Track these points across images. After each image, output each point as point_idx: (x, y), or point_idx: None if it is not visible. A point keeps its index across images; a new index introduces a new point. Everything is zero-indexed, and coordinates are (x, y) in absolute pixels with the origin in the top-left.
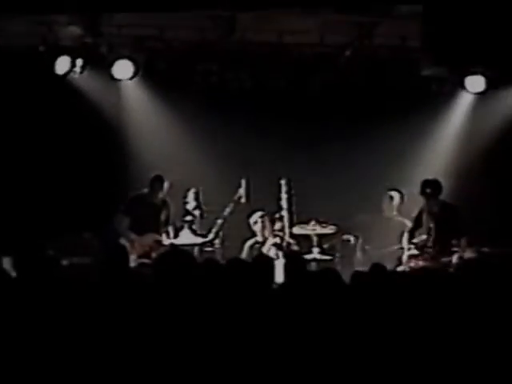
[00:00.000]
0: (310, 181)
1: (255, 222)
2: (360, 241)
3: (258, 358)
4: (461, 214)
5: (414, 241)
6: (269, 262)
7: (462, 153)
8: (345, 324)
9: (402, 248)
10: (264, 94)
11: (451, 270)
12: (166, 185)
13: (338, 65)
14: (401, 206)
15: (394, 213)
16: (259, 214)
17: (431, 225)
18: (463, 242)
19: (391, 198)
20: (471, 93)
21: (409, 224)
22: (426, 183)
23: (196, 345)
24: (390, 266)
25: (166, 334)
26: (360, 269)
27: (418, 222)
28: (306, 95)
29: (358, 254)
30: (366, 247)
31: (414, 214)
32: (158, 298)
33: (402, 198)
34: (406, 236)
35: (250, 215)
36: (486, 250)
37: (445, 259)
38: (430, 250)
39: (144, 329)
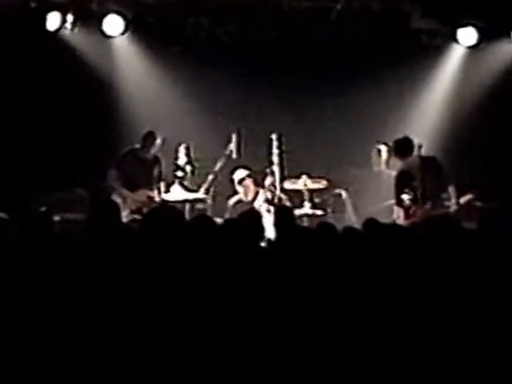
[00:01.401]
0: (301, 136)
1: (239, 182)
2: (351, 195)
3: (249, 316)
4: (441, 164)
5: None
6: (257, 218)
7: (453, 107)
8: (338, 279)
9: (394, 203)
10: (255, 49)
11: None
12: (157, 141)
13: (329, 18)
14: (389, 160)
15: (383, 166)
16: (243, 172)
17: (415, 183)
18: (451, 190)
19: (379, 151)
20: (463, 46)
21: None
22: (398, 143)
23: (183, 300)
24: (382, 221)
25: (154, 291)
26: (352, 224)
27: (401, 184)
28: (298, 49)
29: (350, 209)
30: (357, 202)
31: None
32: (147, 255)
33: (389, 151)
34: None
35: (233, 171)
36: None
37: (441, 210)
38: (422, 205)
39: (134, 285)
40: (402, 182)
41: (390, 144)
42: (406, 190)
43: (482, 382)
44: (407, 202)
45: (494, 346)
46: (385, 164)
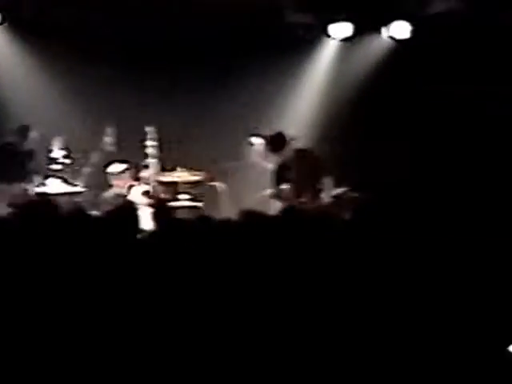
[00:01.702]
0: (178, 129)
1: (115, 176)
2: (226, 187)
3: (124, 308)
4: (316, 156)
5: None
6: (133, 210)
7: (328, 99)
8: (217, 269)
9: (269, 194)
10: (131, 41)
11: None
12: (32, 134)
13: (202, 11)
14: (264, 152)
15: (258, 159)
16: (120, 166)
17: (290, 175)
18: (327, 182)
19: (253, 143)
20: (336, 39)
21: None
22: (272, 138)
23: (57, 293)
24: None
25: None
26: (228, 215)
27: (277, 177)
28: (174, 43)
29: (224, 201)
30: (232, 194)
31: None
32: (22, 247)
33: (264, 143)
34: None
35: (109, 165)
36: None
37: (316, 203)
38: (298, 198)
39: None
40: (279, 175)
41: (265, 136)
42: (283, 183)
43: None
44: (284, 195)
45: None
46: (259, 156)
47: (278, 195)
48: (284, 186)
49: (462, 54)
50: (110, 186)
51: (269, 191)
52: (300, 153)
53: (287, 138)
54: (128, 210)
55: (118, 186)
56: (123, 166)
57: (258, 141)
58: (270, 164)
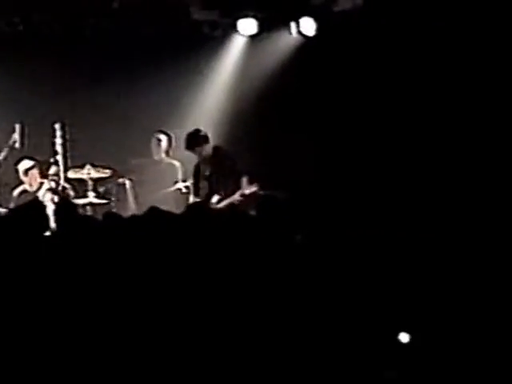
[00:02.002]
0: (85, 125)
1: (24, 173)
2: (133, 184)
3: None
4: (233, 155)
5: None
6: (41, 208)
7: (235, 96)
8: (128, 266)
9: (179, 189)
10: (39, 37)
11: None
12: None
13: (111, 8)
14: (169, 148)
15: (163, 155)
16: (28, 163)
17: (207, 172)
18: (244, 180)
19: (159, 140)
20: (244, 36)
21: (178, 165)
22: (189, 137)
23: None
24: (166, 208)
25: None
26: (133, 212)
27: (197, 176)
28: (82, 39)
29: (131, 198)
30: (139, 190)
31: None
32: None
33: (169, 140)
34: (192, 190)
35: (17, 162)
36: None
37: (228, 200)
38: (214, 196)
39: None
40: (197, 173)
41: (170, 133)
42: (200, 180)
43: None
44: (204, 193)
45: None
46: (164, 153)
47: (198, 193)
48: (201, 184)
49: (368, 51)
50: (20, 183)
51: (174, 187)
52: (215, 150)
53: (204, 136)
54: (36, 207)
55: (27, 183)
56: (32, 163)
57: (163, 137)
58: (174, 161)
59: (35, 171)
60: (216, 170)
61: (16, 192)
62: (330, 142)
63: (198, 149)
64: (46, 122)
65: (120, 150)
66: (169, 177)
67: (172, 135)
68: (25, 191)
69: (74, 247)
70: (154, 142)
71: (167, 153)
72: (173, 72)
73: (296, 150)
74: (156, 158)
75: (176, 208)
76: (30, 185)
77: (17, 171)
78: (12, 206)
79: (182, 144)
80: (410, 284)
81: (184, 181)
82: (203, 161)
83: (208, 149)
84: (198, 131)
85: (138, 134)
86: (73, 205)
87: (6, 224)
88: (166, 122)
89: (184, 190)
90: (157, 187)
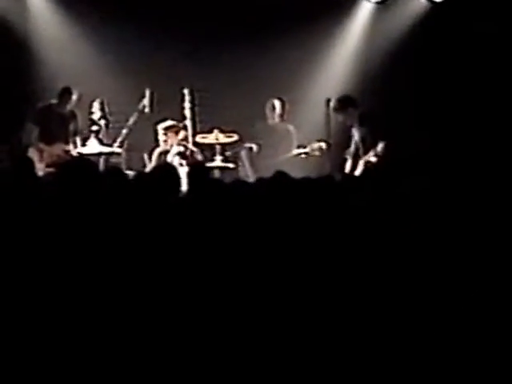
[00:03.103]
0: (213, 90)
1: (164, 132)
2: (258, 149)
3: (165, 272)
4: (376, 119)
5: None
6: (173, 171)
7: (362, 62)
8: (253, 232)
9: (299, 154)
10: (167, 3)
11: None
12: (73, 96)
13: None
14: (283, 113)
15: (277, 120)
16: (169, 123)
17: (356, 136)
18: (381, 145)
19: (273, 106)
20: (370, 1)
21: (292, 130)
22: (339, 101)
23: (100, 253)
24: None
25: (69, 241)
26: (247, 177)
27: (342, 139)
28: (207, 3)
29: (254, 163)
30: (261, 155)
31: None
32: (61, 205)
33: (283, 105)
34: (349, 161)
35: (158, 123)
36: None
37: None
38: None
39: (49, 239)
40: (345, 135)
41: (284, 99)
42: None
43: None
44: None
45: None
46: (279, 117)
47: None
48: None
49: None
50: (157, 144)
51: (294, 152)
52: (362, 116)
53: (353, 100)
54: (168, 170)
55: (168, 144)
56: (173, 122)
57: (277, 103)
58: (289, 125)
59: (172, 132)
60: (363, 133)
61: (156, 152)
62: (458, 112)
63: (348, 110)
64: (175, 87)
65: (247, 115)
66: (287, 142)
67: (285, 100)
68: (164, 152)
69: (205, 211)
70: (268, 106)
71: (281, 117)
72: (301, 36)
73: (422, 118)
74: (270, 122)
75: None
76: (170, 145)
77: (156, 132)
78: (151, 166)
79: (305, 108)
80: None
81: (300, 146)
82: (344, 124)
83: (353, 112)
84: (346, 96)
85: (264, 98)
86: (207, 169)
87: (137, 186)
88: (292, 87)
89: (303, 156)
90: (279, 152)
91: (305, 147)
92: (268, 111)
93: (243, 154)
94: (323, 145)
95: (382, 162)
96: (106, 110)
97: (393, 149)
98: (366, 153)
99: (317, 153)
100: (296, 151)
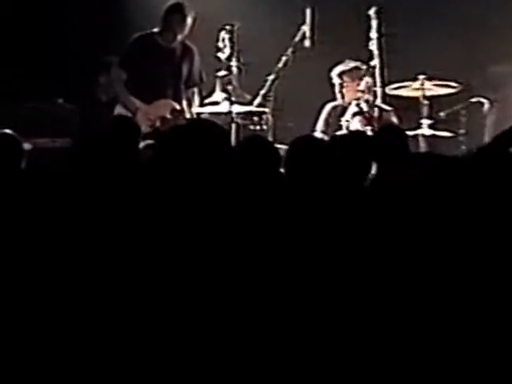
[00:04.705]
0: (413, 16)
1: (340, 82)
2: (492, 106)
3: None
4: None
5: None
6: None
7: None
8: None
9: None
10: None
11: None
12: (188, 19)
13: None
14: None
15: None
16: (351, 64)
17: None
18: None
19: None
20: None
21: None
22: None
23: (203, 244)
24: None
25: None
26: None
27: None
28: None
29: (490, 127)
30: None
31: None
32: (166, 196)
33: None
34: None
35: (333, 67)
36: None
37: None
38: None
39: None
40: None
41: None
42: None
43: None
44: None
45: None
46: None
47: None
48: None
49: None
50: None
51: None
52: None
53: None
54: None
55: (341, 96)
56: (351, 65)
57: None
58: None
59: (353, 79)
60: None
61: (328, 107)
62: None
63: None
64: (353, 4)
65: (471, 55)
66: None
67: None
68: (338, 106)
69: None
70: None
71: None
72: None
73: None
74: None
75: None
76: (348, 100)
77: (327, 80)
78: (320, 128)
79: None
80: None
81: None
82: None
83: None
84: None
85: (495, 33)
86: (404, 136)
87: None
88: None
89: None
90: None
91: None
92: None
93: (485, 111)
94: None
95: None
96: (241, 43)
97: None
98: None
99: None
100: None
